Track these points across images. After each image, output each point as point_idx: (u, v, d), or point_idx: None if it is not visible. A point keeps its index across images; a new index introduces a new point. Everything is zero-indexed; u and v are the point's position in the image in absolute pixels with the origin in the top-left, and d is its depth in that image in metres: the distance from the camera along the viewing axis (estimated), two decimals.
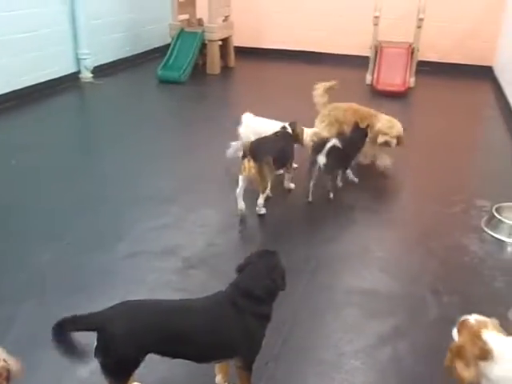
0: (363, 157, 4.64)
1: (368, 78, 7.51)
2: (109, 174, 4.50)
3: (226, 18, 8.05)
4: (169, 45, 7.71)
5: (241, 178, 3.71)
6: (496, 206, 3.79)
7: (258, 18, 8.93)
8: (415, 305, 2.96)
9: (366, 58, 7.64)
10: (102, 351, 1.90)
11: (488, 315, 2.16)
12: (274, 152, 3.74)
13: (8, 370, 1.82)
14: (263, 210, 3.85)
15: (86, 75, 7.16)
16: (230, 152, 4.47)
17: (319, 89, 4.79)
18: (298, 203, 4.12)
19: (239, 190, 3.72)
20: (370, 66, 7.56)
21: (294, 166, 4.26)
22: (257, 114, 4.40)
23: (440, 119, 6.02)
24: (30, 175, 4.39)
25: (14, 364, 1.85)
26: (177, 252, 3.36)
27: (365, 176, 4.52)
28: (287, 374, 2.43)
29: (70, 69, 7.00)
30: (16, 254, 3.28)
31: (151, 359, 2.03)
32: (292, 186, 4.24)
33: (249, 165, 3.59)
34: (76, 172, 4.51)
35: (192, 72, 7.51)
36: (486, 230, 3.69)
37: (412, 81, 7.37)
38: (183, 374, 2.39)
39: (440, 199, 4.20)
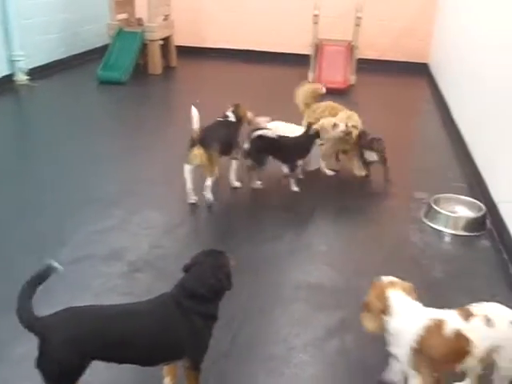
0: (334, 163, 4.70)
1: (310, 76, 7.62)
2: (48, 178, 4.37)
3: (166, 17, 7.97)
4: (108, 45, 7.56)
5: (186, 168, 3.82)
6: (434, 197, 3.93)
7: (198, 17, 8.89)
8: (360, 297, 3.02)
9: (308, 56, 7.75)
10: (43, 360, 1.85)
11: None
12: (221, 139, 3.91)
13: None
14: (210, 195, 3.91)
15: (21, 78, 6.90)
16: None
17: (305, 91, 4.93)
18: (243, 203, 4.14)
19: (188, 184, 3.87)
20: (312, 64, 7.67)
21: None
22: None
23: (380, 115, 6.18)
24: None
25: None
26: (122, 255, 3.31)
27: (306, 173, 4.59)
28: (236, 371, 2.44)
29: (3, 71, 6.72)
30: None
31: (96, 366, 2.00)
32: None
33: (199, 152, 3.74)
34: (14, 177, 4.36)
35: (133, 72, 7.39)
36: (424, 221, 3.83)
37: (353, 78, 7.54)
38: (130, 379, 2.36)
39: (380, 192, 4.33)
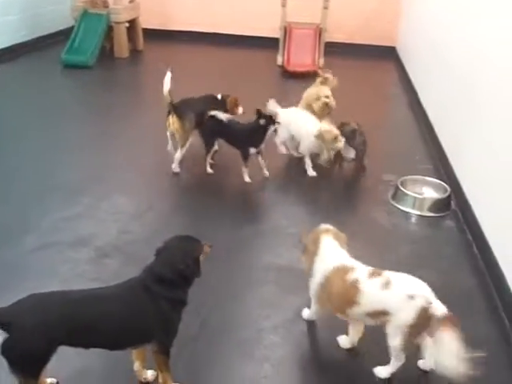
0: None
1: (279, 59, 7.60)
2: (13, 166, 4.27)
3: None
4: (72, 27, 7.37)
5: (168, 133, 4.22)
6: (401, 179, 3.99)
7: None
8: None
9: (276, 39, 7.72)
10: (9, 347, 1.83)
11: None
12: (195, 111, 4.11)
13: None
14: (178, 169, 4.05)
15: None
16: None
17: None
18: (212, 187, 4.13)
19: (170, 146, 4.28)
20: (280, 47, 7.65)
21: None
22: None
23: (347, 99, 6.20)
24: None
25: None
26: (90, 241, 3.27)
27: (275, 156, 4.60)
28: (206, 355, 2.45)
29: None
30: None
31: (65, 352, 1.98)
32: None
33: (172, 120, 4.05)
34: None
35: (99, 56, 7.24)
36: (392, 202, 3.89)
37: (321, 61, 7.54)
38: (99, 365, 2.36)
39: (349, 175, 4.37)
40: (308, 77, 6.87)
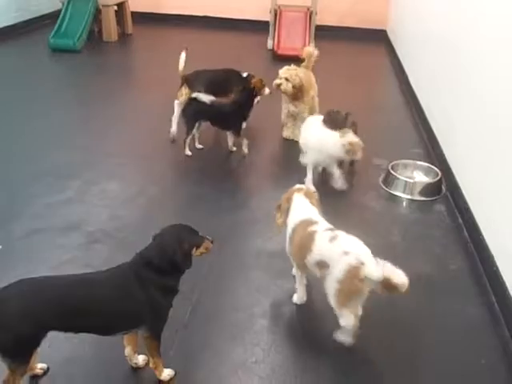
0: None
1: (269, 43, 7.54)
2: (0, 149, 4.22)
3: None
4: (60, 10, 7.26)
5: (176, 103, 4.35)
6: (392, 163, 3.99)
7: None
8: None
9: (267, 22, 7.65)
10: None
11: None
12: (207, 83, 4.36)
13: None
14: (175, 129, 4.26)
15: None
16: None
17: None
18: (202, 172, 4.10)
19: (175, 116, 4.31)
20: (271, 30, 7.58)
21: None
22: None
23: (338, 82, 6.19)
24: None
25: None
26: (80, 227, 3.25)
27: (268, 142, 4.58)
28: (198, 340, 2.45)
29: None
30: None
31: (55, 338, 1.97)
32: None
33: (184, 91, 4.35)
34: None
35: (87, 40, 7.16)
36: (383, 186, 3.89)
37: (311, 46, 7.48)
38: (89, 352, 2.35)
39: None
40: (298, 60, 6.84)
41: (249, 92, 4.12)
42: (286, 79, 4.36)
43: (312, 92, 4.69)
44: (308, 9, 7.49)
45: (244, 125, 4.18)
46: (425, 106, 5.03)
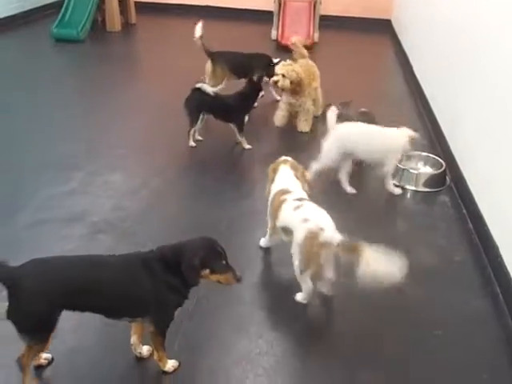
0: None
1: (273, 33, 7.49)
2: (3, 142, 4.22)
3: None
4: (62, 0, 7.21)
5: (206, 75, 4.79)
6: None
7: None
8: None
9: (271, 12, 7.60)
10: (14, 311, 1.89)
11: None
12: (229, 61, 4.75)
13: None
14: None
15: None
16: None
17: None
18: (207, 163, 4.10)
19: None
20: (275, 20, 7.53)
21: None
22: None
23: (343, 73, 6.15)
24: None
25: None
26: (84, 218, 3.25)
27: (273, 133, 4.56)
28: (202, 331, 2.46)
29: None
30: None
31: (60, 329, 1.98)
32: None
33: (209, 65, 4.79)
34: None
35: (91, 29, 7.13)
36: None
37: (316, 36, 7.44)
38: (93, 342, 2.36)
39: None
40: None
41: (253, 86, 4.09)
42: (283, 75, 4.35)
43: (315, 83, 4.66)
44: None
45: (246, 118, 4.16)
46: (429, 97, 5.00)
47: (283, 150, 4.42)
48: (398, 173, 3.81)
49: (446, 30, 4.68)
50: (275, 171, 2.90)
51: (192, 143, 4.17)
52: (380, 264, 2.27)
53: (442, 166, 3.87)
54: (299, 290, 2.66)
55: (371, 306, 2.67)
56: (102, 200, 3.46)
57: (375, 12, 8.23)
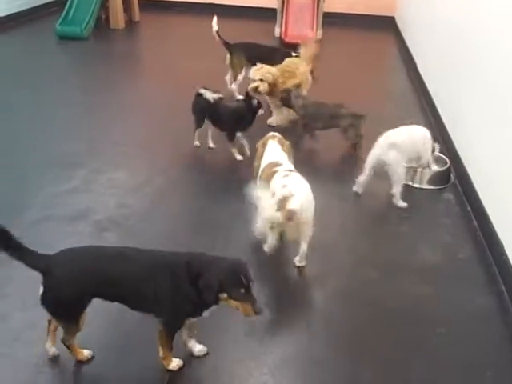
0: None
1: (277, 31, 7.47)
2: (7, 139, 4.23)
3: None
4: None
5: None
6: None
7: None
8: (327, 252, 3.07)
9: (274, 10, 7.58)
10: (46, 296, 2.01)
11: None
12: (246, 52, 4.98)
13: None
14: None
15: None
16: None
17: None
18: (210, 161, 4.09)
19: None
20: (278, 18, 7.52)
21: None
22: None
23: (346, 71, 6.14)
24: None
25: None
26: (88, 216, 3.25)
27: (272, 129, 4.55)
28: (207, 328, 2.45)
29: None
30: None
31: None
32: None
33: (228, 57, 5.04)
34: None
35: (94, 27, 7.12)
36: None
37: (319, 33, 7.42)
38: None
39: (347, 146, 4.31)
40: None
41: (249, 105, 3.95)
42: (261, 80, 4.41)
43: (293, 81, 4.65)
44: None
45: (239, 134, 3.99)
46: (433, 93, 4.98)
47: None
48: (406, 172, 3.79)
49: (448, 28, 4.66)
50: (264, 146, 3.16)
51: (196, 143, 4.15)
52: None
53: (446, 163, 3.86)
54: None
55: (374, 304, 2.67)
56: (105, 198, 3.46)
57: (379, 9, 8.21)
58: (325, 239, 3.15)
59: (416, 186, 3.74)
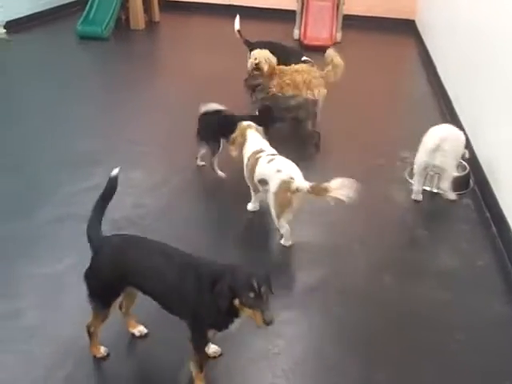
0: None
1: (296, 33, 7.46)
2: (26, 137, 4.27)
3: None
4: None
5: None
6: None
7: None
8: (343, 255, 3.05)
9: (294, 11, 7.57)
10: (89, 273, 2.13)
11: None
12: (265, 48, 4.75)
13: None
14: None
15: None
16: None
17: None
18: (228, 162, 4.09)
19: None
20: (297, 20, 7.50)
21: None
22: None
23: (365, 74, 6.10)
24: None
25: None
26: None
27: (291, 129, 4.54)
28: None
29: None
30: None
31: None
32: None
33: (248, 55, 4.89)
34: None
35: (115, 27, 7.18)
36: (409, 180, 3.82)
37: (339, 36, 7.39)
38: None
39: (366, 151, 4.30)
40: (325, 51, 6.76)
41: (266, 112, 3.94)
42: (265, 60, 4.54)
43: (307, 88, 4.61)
44: None
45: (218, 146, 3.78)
46: (453, 98, 4.93)
47: (300, 145, 4.41)
48: None
49: (470, 31, 4.61)
50: (243, 136, 3.29)
51: (200, 163, 4.07)
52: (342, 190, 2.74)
53: (465, 168, 3.81)
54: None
55: (390, 308, 2.64)
56: (122, 197, 3.45)
57: (399, 13, 8.15)
58: (341, 243, 3.14)
59: (435, 191, 3.70)
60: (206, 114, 3.76)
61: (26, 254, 2.89)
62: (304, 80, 4.58)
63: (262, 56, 4.58)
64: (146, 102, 5.05)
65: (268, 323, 1.89)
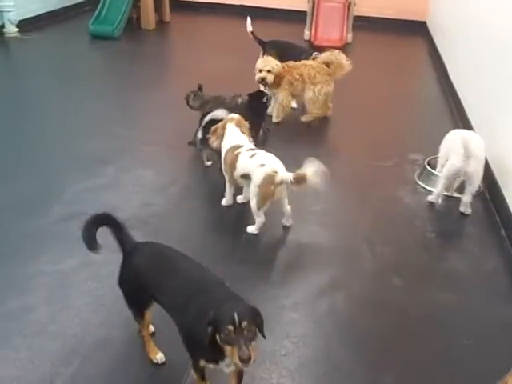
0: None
1: (306, 34, 7.45)
2: (37, 135, 4.32)
3: None
4: None
5: None
6: (428, 159, 3.91)
7: None
8: (351, 257, 3.05)
9: (304, 12, 7.57)
10: (120, 278, 2.13)
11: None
12: (276, 48, 5.17)
13: None
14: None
15: (11, 30, 6.73)
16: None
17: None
18: None
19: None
20: (308, 20, 7.50)
21: None
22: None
23: (376, 75, 6.09)
24: None
25: None
26: (113, 213, 3.26)
27: (299, 130, 4.54)
28: None
29: None
30: None
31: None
32: None
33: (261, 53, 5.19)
34: (2, 133, 4.30)
35: (125, 27, 7.20)
36: (418, 182, 3.81)
37: (349, 37, 7.38)
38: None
39: (375, 153, 4.29)
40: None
41: (258, 99, 3.99)
42: (269, 71, 4.52)
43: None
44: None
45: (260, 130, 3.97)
46: (463, 100, 4.91)
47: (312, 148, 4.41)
48: (430, 177, 3.75)
49: (481, 33, 4.59)
50: (224, 128, 3.31)
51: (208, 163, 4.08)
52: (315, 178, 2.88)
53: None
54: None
55: (398, 310, 2.64)
56: (132, 196, 3.50)
57: (410, 14, 8.11)
58: (349, 244, 3.14)
59: (444, 193, 3.68)
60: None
61: (38, 250, 2.92)
62: (309, 74, 4.59)
63: (267, 67, 4.55)
64: (156, 102, 5.06)
65: (242, 361, 1.67)
